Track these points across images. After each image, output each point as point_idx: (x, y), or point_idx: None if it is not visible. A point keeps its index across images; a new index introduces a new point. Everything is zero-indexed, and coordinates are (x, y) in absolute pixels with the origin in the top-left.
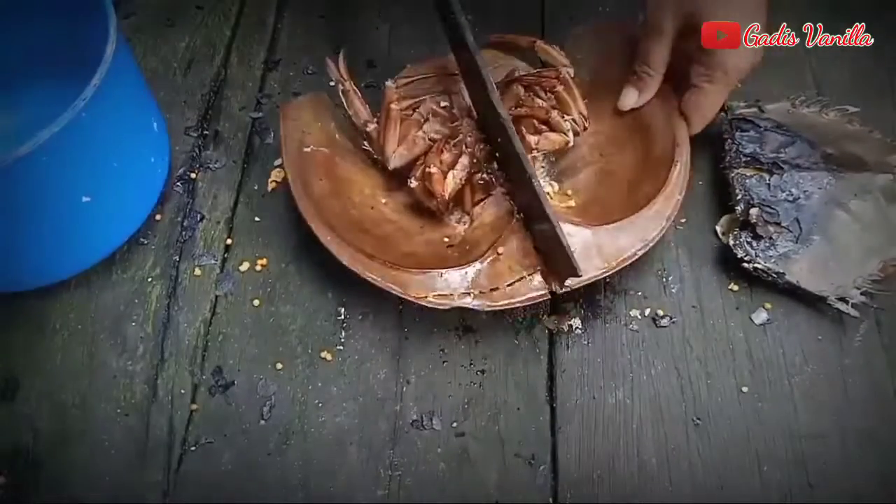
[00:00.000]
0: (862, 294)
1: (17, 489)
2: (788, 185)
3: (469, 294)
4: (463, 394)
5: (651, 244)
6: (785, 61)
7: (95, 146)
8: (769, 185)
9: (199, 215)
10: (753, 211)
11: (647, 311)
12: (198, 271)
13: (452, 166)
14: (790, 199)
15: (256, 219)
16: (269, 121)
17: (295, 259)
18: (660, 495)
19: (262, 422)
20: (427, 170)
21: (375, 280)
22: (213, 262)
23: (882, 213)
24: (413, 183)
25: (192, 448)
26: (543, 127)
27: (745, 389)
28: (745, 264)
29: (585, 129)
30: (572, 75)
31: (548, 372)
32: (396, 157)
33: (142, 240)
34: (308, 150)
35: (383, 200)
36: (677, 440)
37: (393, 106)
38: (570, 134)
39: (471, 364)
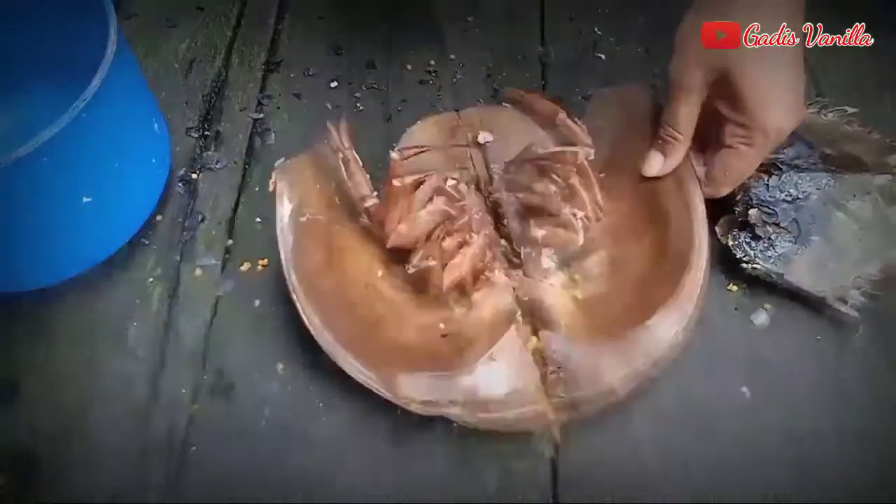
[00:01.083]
0: (861, 295)
1: (17, 489)
2: (787, 185)
3: (456, 404)
4: None
5: (658, 366)
6: None
7: (96, 147)
8: (768, 185)
9: (200, 216)
10: (752, 212)
11: None
12: (199, 272)
13: (454, 256)
14: (789, 199)
15: (257, 219)
16: (271, 121)
17: None
18: (660, 495)
19: (263, 422)
20: (426, 262)
21: (360, 377)
22: (214, 262)
23: (881, 213)
24: (411, 270)
25: (193, 448)
26: (553, 220)
27: (744, 389)
28: (744, 265)
29: (599, 219)
30: (591, 157)
31: None
32: (396, 236)
33: (143, 240)
34: (304, 219)
35: (380, 273)
36: (677, 440)
37: (395, 182)
38: (581, 235)
39: None
